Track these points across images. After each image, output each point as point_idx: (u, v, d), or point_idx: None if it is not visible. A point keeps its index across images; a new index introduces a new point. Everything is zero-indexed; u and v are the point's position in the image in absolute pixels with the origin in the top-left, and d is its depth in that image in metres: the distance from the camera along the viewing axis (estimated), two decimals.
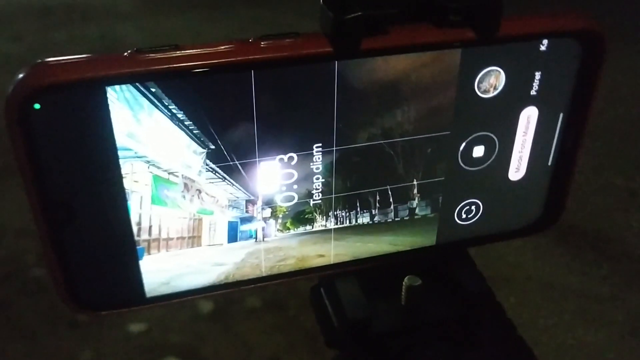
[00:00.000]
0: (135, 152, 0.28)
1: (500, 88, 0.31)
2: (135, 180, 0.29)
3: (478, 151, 0.33)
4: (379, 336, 0.33)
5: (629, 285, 1.19)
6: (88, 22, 2.49)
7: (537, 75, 0.31)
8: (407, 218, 0.34)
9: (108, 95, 0.26)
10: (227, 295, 1.18)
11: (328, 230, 0.33)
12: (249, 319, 1.15)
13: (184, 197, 0.30)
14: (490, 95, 0.31)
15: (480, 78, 0.30)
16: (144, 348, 1.11)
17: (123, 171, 0.28)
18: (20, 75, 0.25)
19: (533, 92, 0.32)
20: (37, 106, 0.25)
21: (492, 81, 0.31)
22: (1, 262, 1.29)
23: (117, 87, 0.26)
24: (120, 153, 0.27)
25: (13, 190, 1.47)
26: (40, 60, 0.26)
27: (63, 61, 0.25)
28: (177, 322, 1.15)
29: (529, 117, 0.32)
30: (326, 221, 0.33)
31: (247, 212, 0.31)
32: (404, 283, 0.34)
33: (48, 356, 1.11)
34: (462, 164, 0.33)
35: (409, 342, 0.33)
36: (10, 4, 2.62)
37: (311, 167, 0.31)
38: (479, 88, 0.31)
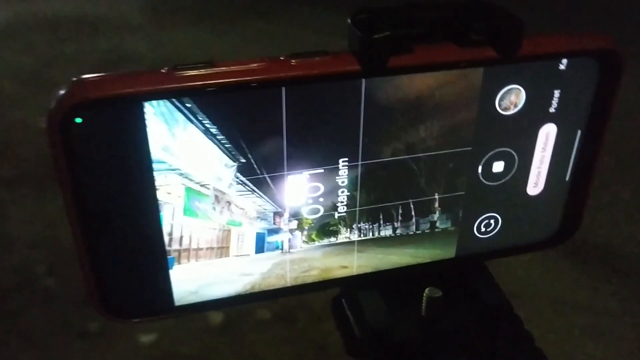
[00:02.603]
0: (169, 165, 0.29)
1: (520, 105, 0.32)
2: (169, 192, 0.30)
3: (498, 166, 0.34)
4: (399, 345, 0.34)
5: (639, 300, 1.19)
6: (98, 34, 2.51)
7: (556, 93, 0.32)
8: (428, 231, 0.35)
9: (145, 110, 0.27)
10: (241, 307, 1.18)
11: (351, 242, 0.34)
12: (258, 331, 1.16)
13: (214, 208, 0.31)
14: (511, 112, 0.32)
15: (501, 96, 0.31)
16: (154, 358, 1.11)
17: (157, 183, 0.29)
18: (62, 91, 0.26)
19: (552, 110, 0.33)
20: (78, 120, 0.26)
21: (512, 99, 0.32)
22: (12, 271, 1.30)
23: (154, 102, 0.27)
24: (154, 166, 0.29)
25: (25, 201, 1.48)
26: (81, 77, 0.27)
27: (103, 77, 0.27)
28: (187, 333, 1.15)
29: (547, 134, 0.33)
30: (350, 233, 0.34)
31: (274, 223, 0.32)
32: (424, 294, 0.35)
33: None
34: (482, 179, 0.34)
35: (428, 352, 0.34)
36: (20, 16, 2.65)
37: (337, 180, 0.32)
38: (499, 105, 0.32)
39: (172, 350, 1.13)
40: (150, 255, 0.31)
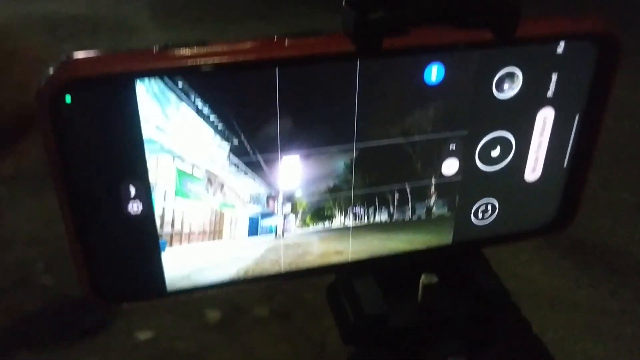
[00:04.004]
0: (161, 146, 0.28)
1: (517, 89, 0.32)
2: (160, 174, 0.29)
3: (495, 151, 0.33)
4: (395, 332, 0.33)
5: (638, 299, 1.19)
6: (98, 35, 2.51)
7: (554, 76, 0.32)
8: (424, 217, 0.34)
9: (137, 89, 0.27)
10: (235, 302, 1.18)
11: (347, 228, 0.33)
12: (256, 329, 1.15)
13: (207, 191, 0.30)
14: (508, 96, 0.32)
15: (498, 79, 0.31)
16: (151, 356, 1.11)
17: (148, 164, 0.29)
18: (52, 69, 0.26)
19: (550, 94, 0.32)
20: (68, 99, 0.26)
21: (509, 82, 0.31)
22: (10, 269, 1.30)
23: (145, 81, 0.27)
24: (146, 146, 0.28)
25: (23, 199, 1.48)
26: (71, 55, 0.26)
27: (93, 55, 0.26)
28: (184, 331, 1.15)
29: (545, 118, 0.33)
30: (345, 218, 0.33)
31: (267, 207, 0.32)
32: (420, 281, 0.34)
33: None
34: (479, 164, 0.33)
35: (424, 338, 0.34)
36: (20, 16, 2.65)
37: (331, 163, 0.31)
38: (496, 88, 0.31)
39: (169, 347, 1.12)
40: (142, 237, 0.30)
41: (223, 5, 2.76)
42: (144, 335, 1.14)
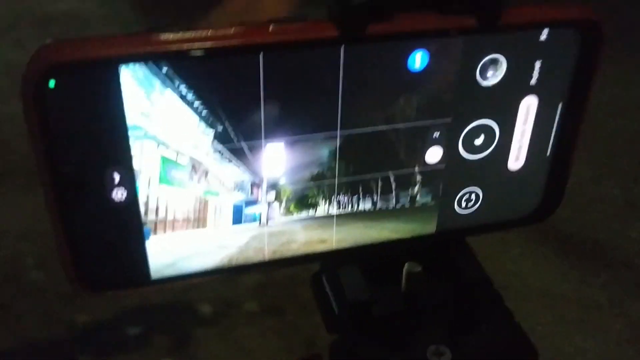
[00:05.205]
0: (145, 132, 0.28)
1: (501, 76, 0.32)
2: (145, 160, 0.29)
3: (478, 139, 0.33)
4: (378, 320, 0.34)
5: (627, 293, 1.20)
6: (88, 30, 2.50)
7: (538, 64, 0.32)
8: (408, 205, 0.34)
9: (121, 74, 0.27)
10: (226, 297, 1.18)
11: (330, 216, 0.34)
12: (247, 324, 1.15)
13: (191, 178, 0.30)
14: (492, 83, 0.32)
15: (482, 66, 0.31)
16: (142, 351, 1.11)
17: (133, 151, 0.29)
18: (37, 53, 0.26)
19: (533, 82, 0.32)
20: (52, 83, 0.26)
21: (493, 69, 0.31)
22: (0, 265, 1.29)
23: (129, 66, 0.27)
24: (130, 132, 0.28)
25: (12, 194, 1.47)
26: (55, 39, 0.26)
27: (77, 40, 0.26)
28: (175, 325, 1.15)
29: (528, 106, 0.33)
30: (329, 206, 0.33)
31: (251, 195, 0.32)
32: (404, 269, 0.34)
33: (46, 358, 1.11)
34: (462, 152, 0.34)
35: (407, 326, 0.34)
36: (11, 12, 2.64)
37: (315, 151, 0.31)
38: (480, 76, 0.31)
39: (160, 342, 1.12)
40: (126, 225, 0.30)
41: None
42: (134, 330, 1.14)
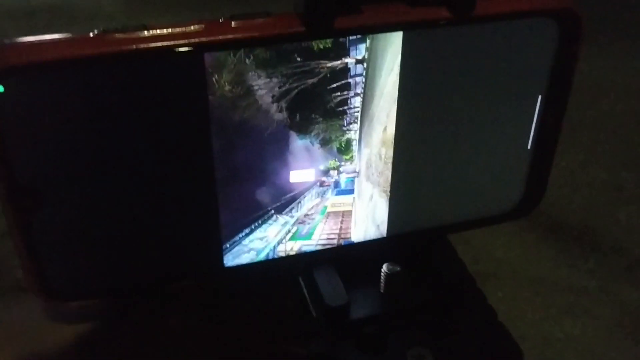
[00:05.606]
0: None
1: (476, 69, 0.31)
2: None
3: None
4: (357, 323, 0.32)
5: (616, 278, 1.19)
6: (73, 23, 2.46)
7: (515, 55, 0.31)
8: None
9: (73, 77, 0.25)
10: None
11: None
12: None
13: None
14: None
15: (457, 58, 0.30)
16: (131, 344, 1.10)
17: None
18: None
19: (511, 74, 0.31)
20: (1, 88, 0.25)
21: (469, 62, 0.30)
22: None
23: (81, 68, 0.25)
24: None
25: None
26: (2, 41, 0.25)
27: (25, 42, 0.25)
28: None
29: (507, 99, 0.32)
30: None
31: None
32: (382, 270, 0.33)
33: (34, 357, 1.10)
34: None
35: (388, 328, 0.33)
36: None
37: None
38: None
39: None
40: (88, 233, 0.29)
41: None
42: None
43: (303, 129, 0.29)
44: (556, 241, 1.27)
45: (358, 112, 0.30)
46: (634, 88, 1.68)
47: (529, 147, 0.34)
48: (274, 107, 0.28)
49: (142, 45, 0.25)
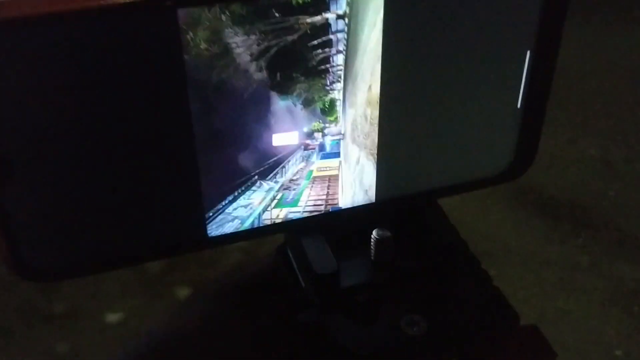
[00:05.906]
0: None
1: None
2: None
3: None
4: (348, 291, 0.32)
5: (607, 253, 1.20)
6: None
7: (502, 10, 0.30)
8: None
9: (42, 36, 0.24)
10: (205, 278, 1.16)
11: None
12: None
13: None
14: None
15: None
16: (121, 337, 1.08)
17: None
18: None
19: (498, 29, 0.30)
20: None
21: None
22: None
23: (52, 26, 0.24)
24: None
25: None
26: None
27: None
28: (154, 310, 1.12)
29: (495, 55, 0.31)
30: None
31: None
32: (372, 236, 0.32)
33: (24, 350, 1.08)
34: None
35: (379, 296, 0.32)
36: None
37: None
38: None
39: (139, 328, 1.10)
40: (65, 208, 0.28)
41: None
42: (113, 317, 1.11)
43: (284, 89, 0.28)
44: (547, 218, 1.27)
45: (341, 70, 0.29)
46: (621, 65, 1.68)
47: (518, 105, 0.33)
48: (253, 66, 0.27)
49: (111, 0, 0.24)
